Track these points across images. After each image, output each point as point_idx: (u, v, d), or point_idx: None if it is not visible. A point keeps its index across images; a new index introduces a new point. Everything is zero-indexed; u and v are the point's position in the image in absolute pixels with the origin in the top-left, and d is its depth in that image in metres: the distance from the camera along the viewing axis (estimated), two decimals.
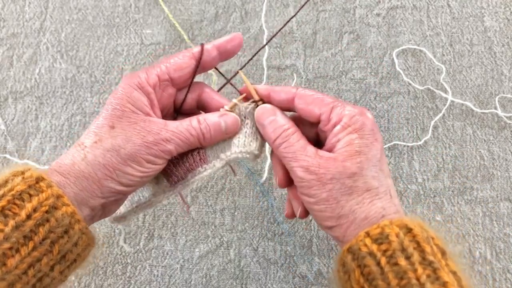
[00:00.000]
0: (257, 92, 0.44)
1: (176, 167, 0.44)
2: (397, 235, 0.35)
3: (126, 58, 0.69)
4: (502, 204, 0.61)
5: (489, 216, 0.60)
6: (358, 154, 0.39)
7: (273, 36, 0.49)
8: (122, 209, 0.46)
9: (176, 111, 0.46)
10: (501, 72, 0.67)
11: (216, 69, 0.47)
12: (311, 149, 0.41)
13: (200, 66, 0.43)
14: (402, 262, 0.33)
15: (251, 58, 0.50)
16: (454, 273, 0.33)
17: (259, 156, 0.46)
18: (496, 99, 0.66)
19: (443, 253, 0.35)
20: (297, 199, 0.44)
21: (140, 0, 0.72)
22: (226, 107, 0.44)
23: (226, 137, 0.44)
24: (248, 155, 0.44)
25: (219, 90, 0.48)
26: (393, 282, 0.33)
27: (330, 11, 0.71)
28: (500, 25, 0.70)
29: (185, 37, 0.69)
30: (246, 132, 0.45)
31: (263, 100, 0.44)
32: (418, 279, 0.32)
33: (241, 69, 0.48)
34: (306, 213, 0.44)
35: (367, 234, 0.36)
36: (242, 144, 0.44)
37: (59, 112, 0.66)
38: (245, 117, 0.45)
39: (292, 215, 0.46)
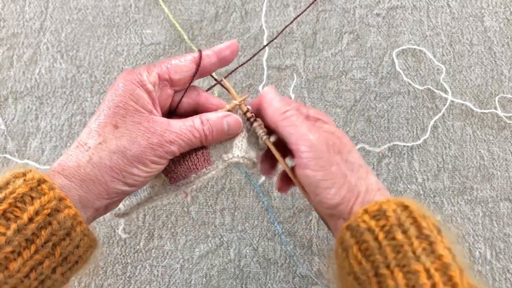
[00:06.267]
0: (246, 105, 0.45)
1: (176, 165, 0.44)
2: (394, 211, 0.36)
3: (126, 58, 0.69)
4: (502, 204, 0.61)
5: (489, 216, 0.61)
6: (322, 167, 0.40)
7: (275, 38, 0.50)
8: (121, 206, 0.46)
9: (171, 113, 0.46)
10: (501, 72, 0.67)
11: (211, 75, 0.47)
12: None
13: (199, 71, 0.44)
14: (399, 236, 0.34)
15: (251, 58, 0.50)
16: (448, 249, 0.34)
17: (256, 166, 0.46)
18: (496, 99, 0.66)
19: (439, 230, 0.35)
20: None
21: (140, 0, 0.72)
22: (228, 106, 0.44)
23: (227, 137, 0.44)
24: (248, 161, 0.45)
25: (208, 89, 0.49)
26: (390, 256, 0.33)
27: (330, 11, 0.71)
28: (500, 25, 0.70)
29: (185, 37, 0.69)
30: (246, 137, 0.45)
31: (253, 114, 0.45)
32: (414, 252, 0.33)
33: (230, 74, 0.48)
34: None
35: (365, 211, 0.37)
36: (245, 149, 0.45)
37: (59, 112, 0.66)
38: (244, 123, 0.45)
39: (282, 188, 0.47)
